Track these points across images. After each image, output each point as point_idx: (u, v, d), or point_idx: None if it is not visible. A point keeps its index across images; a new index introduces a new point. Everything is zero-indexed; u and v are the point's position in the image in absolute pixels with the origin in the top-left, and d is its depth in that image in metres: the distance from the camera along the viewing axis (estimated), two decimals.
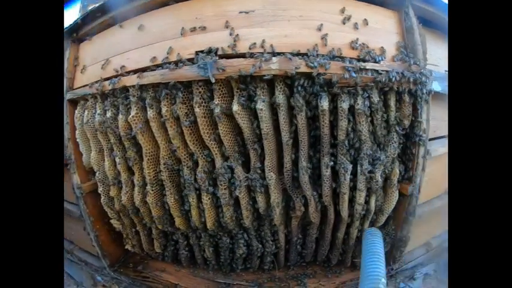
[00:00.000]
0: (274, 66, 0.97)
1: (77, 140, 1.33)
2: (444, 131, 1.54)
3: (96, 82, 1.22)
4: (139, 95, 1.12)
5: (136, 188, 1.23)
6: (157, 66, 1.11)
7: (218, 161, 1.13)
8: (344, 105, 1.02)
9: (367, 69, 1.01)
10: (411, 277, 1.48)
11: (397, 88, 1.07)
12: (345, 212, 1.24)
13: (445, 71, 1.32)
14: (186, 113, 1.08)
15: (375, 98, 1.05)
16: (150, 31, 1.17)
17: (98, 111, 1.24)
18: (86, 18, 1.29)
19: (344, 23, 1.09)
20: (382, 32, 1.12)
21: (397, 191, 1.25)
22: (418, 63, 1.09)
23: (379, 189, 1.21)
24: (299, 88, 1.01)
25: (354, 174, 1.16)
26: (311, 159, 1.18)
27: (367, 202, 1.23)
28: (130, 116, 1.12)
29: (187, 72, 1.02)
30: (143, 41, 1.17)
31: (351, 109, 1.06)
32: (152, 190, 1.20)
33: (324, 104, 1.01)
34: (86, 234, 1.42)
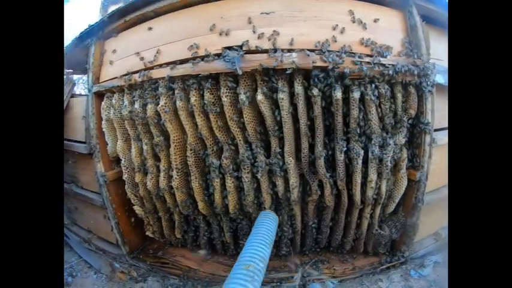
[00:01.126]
0: (294, 60, 1.09)
1: (103, 130, 1.41)
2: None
3: (125, 75, 1.32)
4: (168, 86, 1.22)
5: (162, 174, 1.31)
6: (187, 60, 1.22)
7: (242, 147, 1.23)
8: (355, 95, 1.14)
9: (375, 63, 1.14)
10: (421, 265, 1.53)
11: (403, 80, 1.20)
12: (357, 196, 1.33)
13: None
14: (213, 102, 1.18)
15: (383, 89, 1.18)
16: (177, 29, 1.29)
17: (126, 102, 1.33)
18: (112, 17, 1.41)
19: (353, 22, 1.22)
20: (388, 30, 1.26)
21: (406, 177, 1.34)
22: (421, 57, 1.22)
23: (389, 173, 1.30)
24: (315, 80, 1.13)
25: (366, 161, 1.26)
26: (326, 145, 1.29)
27: (378, 187, 1.33)
28: (159, 106, 1.22)
29: (217, 65, 1.14)
30: (171, 38, 1.29)
31: (362, 99, 1.19)
32: (178, 175, 1.28)
33: (338, 94, 1.13)
34: (105, 223, 1.47)
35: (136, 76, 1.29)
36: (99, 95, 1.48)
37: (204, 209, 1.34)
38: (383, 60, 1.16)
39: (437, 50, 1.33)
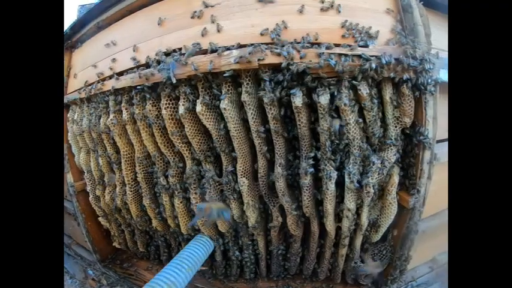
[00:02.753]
0: (234, 60, 0.87)
1: (70, 141, 1.44)
2: None
3: (82, 88, 1.30)
4: (115, 99, 1.15)
5: (117, 188, 1.27)
6: (131, 69, 1.12)
7: (188, 164, 1.09)
8: (322, 100, 0.86)
9: (349, 55, 0.84)
10: None
11: (394, 78, 0.87)
12: (330, 227, 1.07)
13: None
14: (156, 115, 1.06)
15: (364, 90, 0.86)
16: (126, 36, 1.18)
17: (85, 115, 1.31)
18: (74, 27, 1.38)
19: (323, 2, 0.93)
20: (371, 12, 0.92)
21: (396, 203, 1.03)
22: (418, 47, 0.87)
23: (372, 201, 1.01)
24: (266, 83, 0.89)
25: (342, 183, 0.99)
26: (291, 164, 1.05)
27: (358, 215, 1.04)
28: (108, 119, 1.15)
29: (153, 74, 1.00)
30: (121, 47, 1.19)
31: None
32: (130, 191, 1.22)
33: (297, 100, 0.87)
34: (81, 230, 1.54)
35: (89, 88, 1.25)
36: (67, 107, 1.48)
37: (158, 226, 1.26)
38: (361, 51, 0.85)
39: (442, 39, 0.94)
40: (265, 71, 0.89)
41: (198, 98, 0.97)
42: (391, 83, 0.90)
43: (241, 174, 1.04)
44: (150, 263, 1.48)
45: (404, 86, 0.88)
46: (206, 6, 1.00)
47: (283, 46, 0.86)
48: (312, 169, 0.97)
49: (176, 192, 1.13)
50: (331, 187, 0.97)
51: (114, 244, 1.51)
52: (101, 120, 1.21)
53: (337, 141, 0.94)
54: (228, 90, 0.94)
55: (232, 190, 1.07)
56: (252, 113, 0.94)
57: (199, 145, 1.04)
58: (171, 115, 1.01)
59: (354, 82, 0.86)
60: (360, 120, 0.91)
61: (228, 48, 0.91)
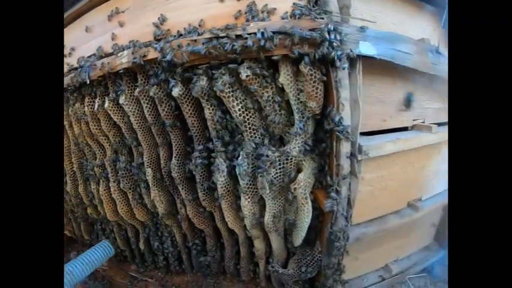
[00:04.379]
0: (124, 60, 0.95)
1: None
2: (397, 121, 1.08)
3: None
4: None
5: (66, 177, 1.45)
6: (68, 72, 1.28)
7: (107, 155, 1.19)
8: (197, 88, 0.86)
9: (224, 37, 0.81)
10: None
11: (289, 56, 0.79)
12: (231, 224, 1.04)
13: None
14: (83, 112, 1.19)
15: (244, 72, 0.81)
16: (67, 42, 1.27)
17: None
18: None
19: None
20: None
21: (309, 204, 0.95)
22: (323, 16, 0.80)
23: (273, 197, 0.94)
24: (151, 78, 0.95)
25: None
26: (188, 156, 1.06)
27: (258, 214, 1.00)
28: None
29: (76, 77, 1.14)
30: (65, 52, 1.33)
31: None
32: (69, 180, 1.38)
33: (175, 90, 0.90)
34: None
35: None
36: None
37: (92, 213, 1.39)
38: (234, 31, 0.80)
39: (369, 8, 0.92)
40: (152, 67, 0.94)
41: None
42: (290, 62, 0.83)
43: (147, 165, 1.10)
44: None
45: (302, 63, 0.79)
46: (117, 13, 1.11)
47: (159, 40, 0.91)
48: (200, 161, 0.98)
49: (101, 180, 1.24)
50: (220, 180, 0.96)
51: (65, 232, 1.68)
52: None
53: (225, 132, 0.93)
54: (127, 86, 1.02)
55: (141, 180, 1.13)
56: (146, 106, 1.00)
57: (114, 137, 1.14)
58: (91, 111, 1.14)
59: (230, 66, 0.83)
60: (251, 106, 0.88)
61: (124, 49, 1.00)
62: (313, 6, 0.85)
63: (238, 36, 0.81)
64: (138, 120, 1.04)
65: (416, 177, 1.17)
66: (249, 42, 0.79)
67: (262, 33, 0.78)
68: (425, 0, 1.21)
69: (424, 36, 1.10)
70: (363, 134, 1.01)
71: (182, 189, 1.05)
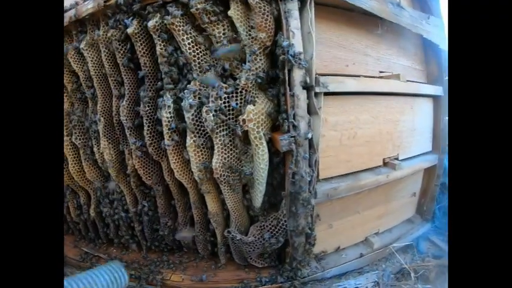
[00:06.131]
0: (90, 5, 0.99)
1: None
2: (362, 68, 1.02)
3: None
4: None
5: None
6: None
7: (64, 107, 1.16)
8: (150, 23, 0.86)
9: None
10: None
11: None
12: (178, 172, 0.93)
13: None
14: None
15: (194, 5, 0.79)
16: None
17: None
18: None
19: None
20: None
21: (264, 145, 0.84)
22: None
23: (226, 141, 0.85)
24: (110, 20, 0.97)
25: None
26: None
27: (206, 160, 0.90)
28: None
29: None
30: None
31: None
32: None
33: (129, 29, 0.90)
34: None
35: None
36: None
37: None
38: None
39: None
40: (112, 11, 0.97)
41: None
42: None
43: (100, 114, 1.05)
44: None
45: None
46: None
47: None
48: (147, 99, 0.93)
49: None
50: (165, 116, 0.88)
51: None
52: None
53: (175, 68, 0.90)
54: (89, 32, 1.04)
55: (94, 133, 1.08)
56: (104, 51, 1.00)
57: (72, 87, 1.12)
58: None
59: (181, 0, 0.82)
60: (201, 41, 0.86)
61: None
62: None
63: None
64: (95, 67, 1.04)
65: (390, 130, 1.06)
66: None
67: None
68: None
69: None
70: (324, 75, 0.96)
71: (130, 134, 0.98)
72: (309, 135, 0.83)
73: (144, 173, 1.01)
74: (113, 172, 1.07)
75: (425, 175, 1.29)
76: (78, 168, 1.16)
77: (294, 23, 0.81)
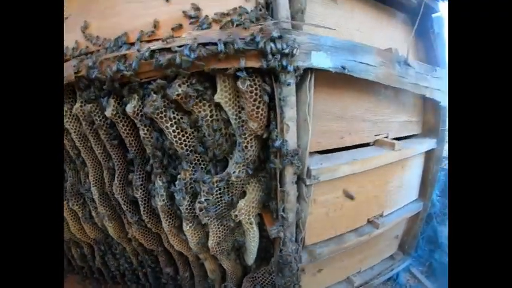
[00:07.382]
0: (66, 73, 0.87)
1: None
2: (357, 137, 0.99)
3: None
4: None
5: None
6: None
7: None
8: (128, 108, 0.79)
9: (154, 52, 0.72)
10: None
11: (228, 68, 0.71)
12: (177, 246, 0.99)
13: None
14: None
15: (174, 91, 0.73)
16: None
17: None
18: None
19: None
20: None
21: (255, 229, 0.91)
22: (266, 22, 0.70)
23: (218, 223, 0.90)
24: (83, 95, 0.88)
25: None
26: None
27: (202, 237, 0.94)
28: None
29: None
30: None
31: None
32: None
33: (107, 110, 0.83)
34: None
35: None
36: None
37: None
38: (162, 45, 0.71)
39: (330, 15, 0.83)
40: (86, 86, 0.87)
41: None
42: (228, 77, 0.74)
43: (93, 184, 1.05)
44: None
45: (239, 79, 0.71)
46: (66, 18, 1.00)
47: (86, 54, 0.84)
48: (140, 183, 0.92)
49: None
50: (160, 204, 0.90)
51: None
52: None
53: (163, 153, 0.87)
54: (68, 102, 0.95)
55: (90, 199, 1.09)
56: (85, 124, 0.94)
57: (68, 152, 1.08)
58: None
59: (159, 82, 0.74)
60: (185, 126, 0.80)
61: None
62: (260, 10, 0.75)
63: (167, 50, 0.72)
64: (79, 138, 0.98)
65: (377, 194, 1.10)
66: (177, 59, 0.69)
67: (190, 47, 0.69)
68: (396, 7, 1.10)
69: (393, 45, 0.99)
70: (317, 152, 0.93)
71: (127, 210, 1.00)
72: (298, 221, 0.87)
73: (145, 242, 1.07)
74: (114, 235, 1.13)
75: (410, 220, 1.36)
76: (79, 227, 1.21)
77: (290, 113, 0.76)
